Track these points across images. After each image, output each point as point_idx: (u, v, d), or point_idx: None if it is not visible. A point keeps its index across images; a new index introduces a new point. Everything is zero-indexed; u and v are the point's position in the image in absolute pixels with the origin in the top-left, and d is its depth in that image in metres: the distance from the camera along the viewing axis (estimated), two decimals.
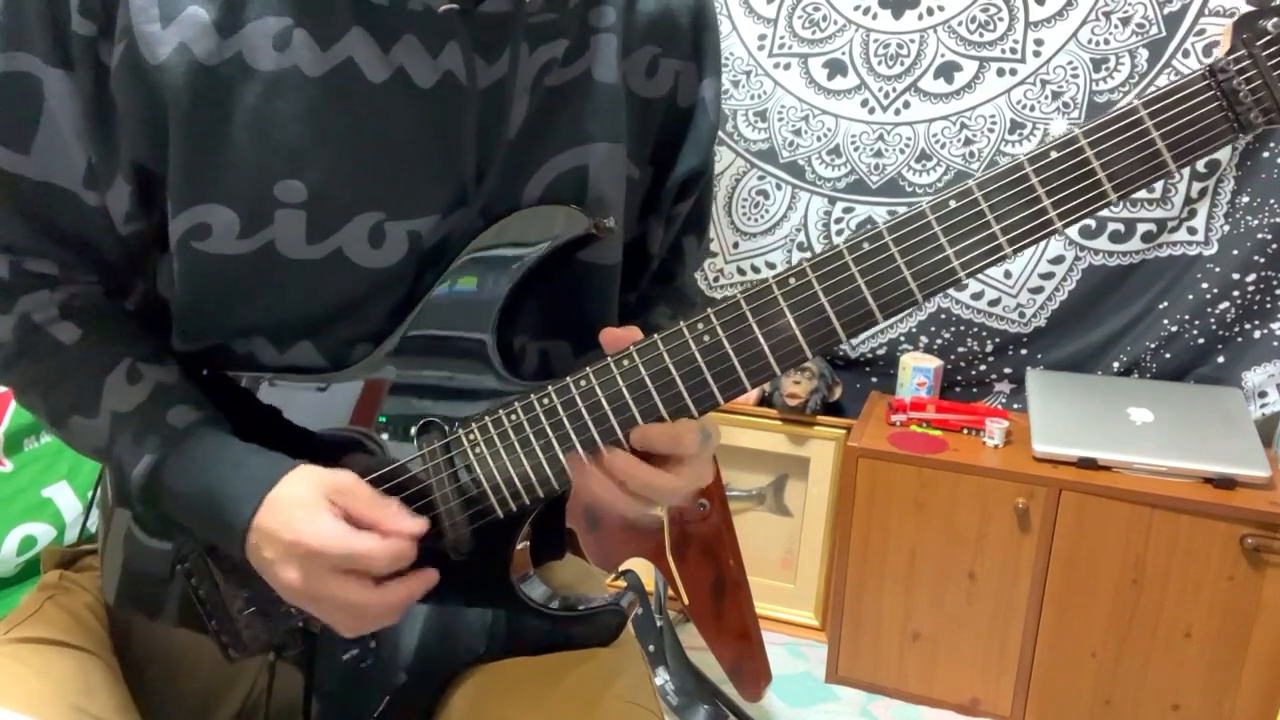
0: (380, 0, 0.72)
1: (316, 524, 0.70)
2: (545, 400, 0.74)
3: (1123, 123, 0.66)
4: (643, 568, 1.86)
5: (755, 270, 2.36)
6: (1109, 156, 0.66)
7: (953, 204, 0.68)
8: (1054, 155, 0.67)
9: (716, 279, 2.40)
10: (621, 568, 1.90)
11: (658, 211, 0.88)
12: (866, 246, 0.69)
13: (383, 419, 0.77)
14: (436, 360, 0.77)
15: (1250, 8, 0.66)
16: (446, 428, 0.76)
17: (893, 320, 2.24)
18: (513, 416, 0.75)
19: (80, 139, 0.73)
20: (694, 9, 0.84)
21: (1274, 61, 0.64)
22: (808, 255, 0.79)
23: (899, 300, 0.69)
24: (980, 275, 2.15)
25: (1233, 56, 0.65)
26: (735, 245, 2.36)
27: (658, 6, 0.82)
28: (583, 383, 0.73)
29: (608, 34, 0.80)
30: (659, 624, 1.95)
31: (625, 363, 0.72)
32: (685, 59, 0.84)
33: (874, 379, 2.30)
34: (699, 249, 0.95)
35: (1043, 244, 2.11)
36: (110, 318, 0.79)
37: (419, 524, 0.72)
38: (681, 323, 0.71)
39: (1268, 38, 0.64)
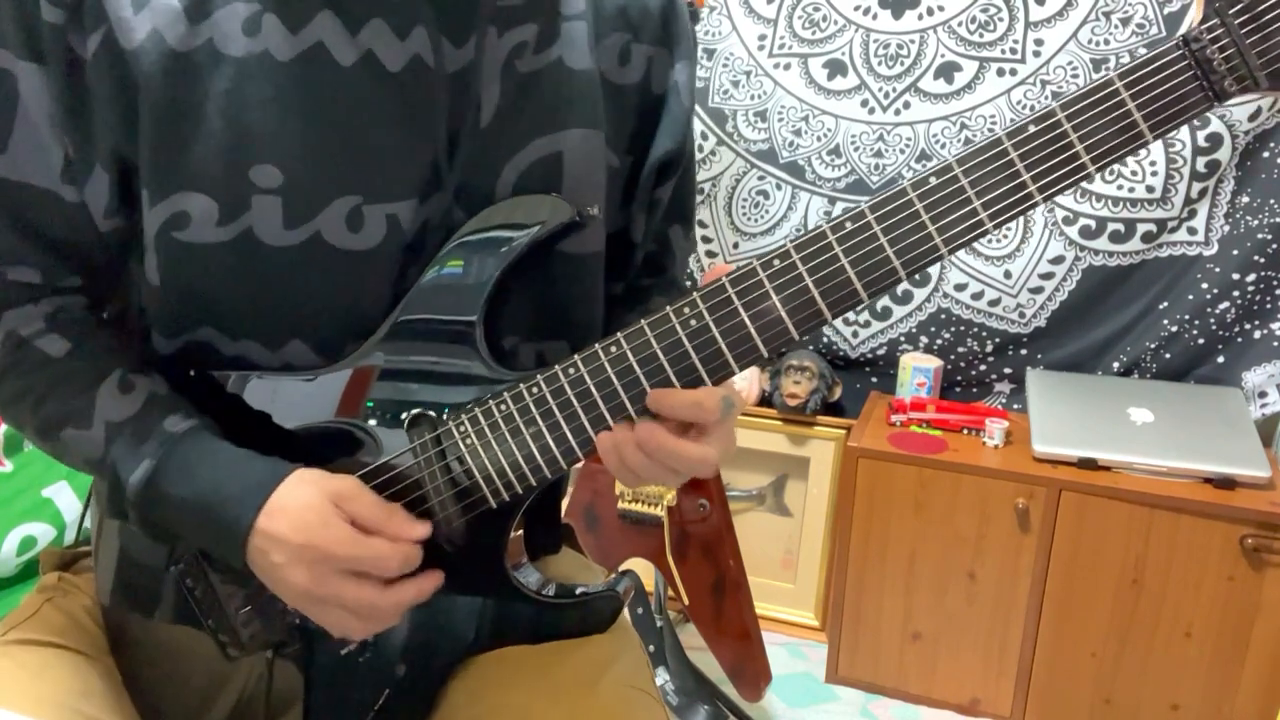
0: None
1: (328, 528, 0.71)
2: (534, 389, 0.75)
3: (1098, 95, 0.67)
4: (643, 568, 1.86)
5: None
6: (1086, 129, 0.67)
7: (933, 181, 0.69)
8: (1032, 129, 0.68)
9: None
10: (621, 568, 1.90)
11: (638, 199, 0.89)
12: (849, 226, 0.70)
13: (372, 412, 0.78)
14: (424, 352, 0.77)
15: None
16: (437, 419, 0.77)
17: (889, 316, 2.24)
18: (502, 406, 0.75)
19: (56, 132, 0.73)
20: None
21: (1246, 29, 0.65)
22: (792, 236, 0.80)
23: (883, 278, 0.70)
24: (980, 275, 2.16)
25: (1205, 25, 0.66)
26: (735, 245, 2.36)
27: None
28: (571, 371, 0.74)
29: (578, 21, 0.81)
30: (659, 624, 1.95)
31: (613, 349, 0.73)
32: (656, 44, 0.85)
33: (874, 379, 2.30)
34: (686, 240, 0.96)
35: (1043, 244, 2.11)
36: (97, 330, 0.79)
37: (423, 528, 0.74)
38: (668, 307, 0.72)
39: (1239, 6, 0.65)
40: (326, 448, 0.78)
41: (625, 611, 0.90)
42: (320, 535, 0.70)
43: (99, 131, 0.73)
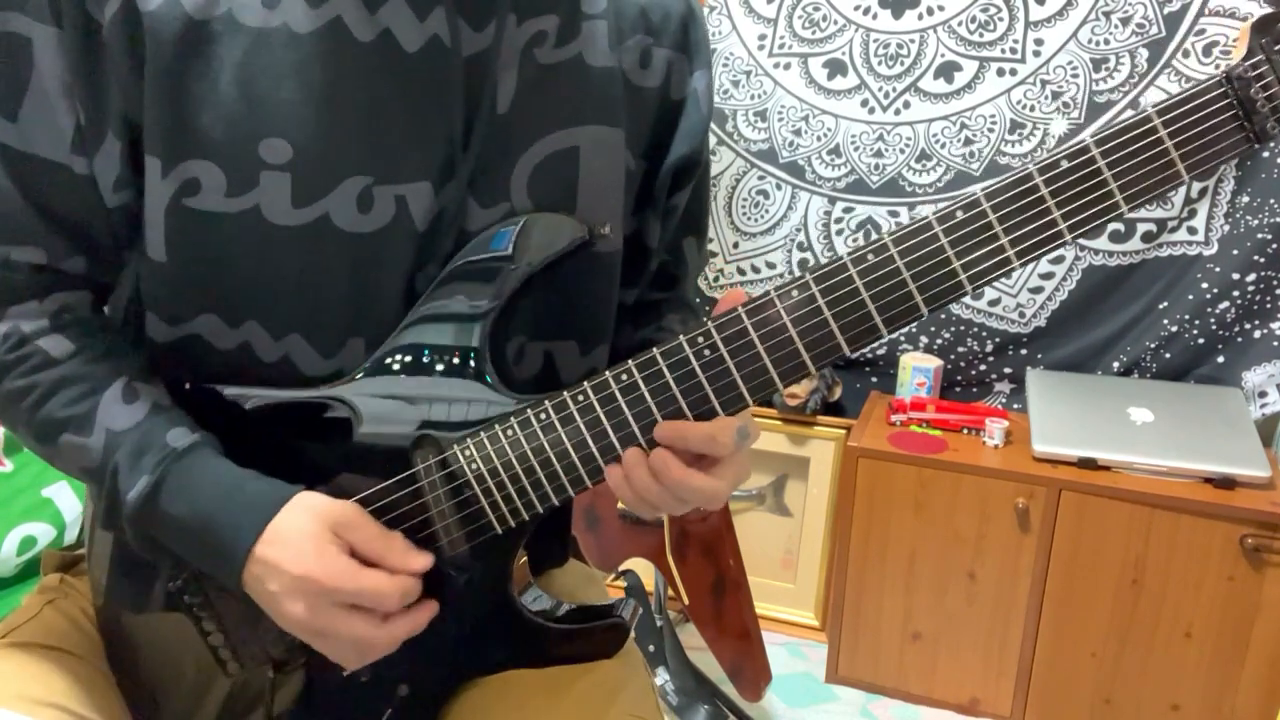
0: None
1: (325, 559, 0.69)
2: (543, 415, 0.73)
3: (1135, 131, 0.64)
4: (643, 568, 1.86)
5: (755, 270, 2.35)
6: (1121, 166, 0.65)
7: (960, 215, 0.66)
8: (1065, 165, 0.65)
9: (716, 279, 2.40)
10: (621, 568, 1.90)
11: (653, 205, 0.87)
12: (871, 258, 0.67)
13: (376, 433, 0.75)
14: (429, 372, 0.75)
15: (1268, 10, 0.64)
16: (442, 442, 0.75)
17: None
18: (509, 432, 0.74)
19: (68, 99, 0.72)
20: (683, 1, 0.85)
21: None
22: (810, 264, 0.79)
23: (904, 314, 0.68)
24: None
25: (1249, 62, 0.63)
26: (735, 245, 2.36)
27: None
28: (580, 398, 0.72)
29: (599, 20, 0.80)
30: (659, 624, 1.95)
31: (624, 378, 0.71)
32: (677, 50, 0.85)
33: (874, 379, 2.30)
34: (699, 254, 0.94)
35: None
36: (102, 333, 0.77)
37: (424, 559, 0.72)
38: (682, 336, 0.70)
39: None
40: (329, 471, 0.76)
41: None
42: (317, 567, 0.69)
43: (112, 96, 0.72)
